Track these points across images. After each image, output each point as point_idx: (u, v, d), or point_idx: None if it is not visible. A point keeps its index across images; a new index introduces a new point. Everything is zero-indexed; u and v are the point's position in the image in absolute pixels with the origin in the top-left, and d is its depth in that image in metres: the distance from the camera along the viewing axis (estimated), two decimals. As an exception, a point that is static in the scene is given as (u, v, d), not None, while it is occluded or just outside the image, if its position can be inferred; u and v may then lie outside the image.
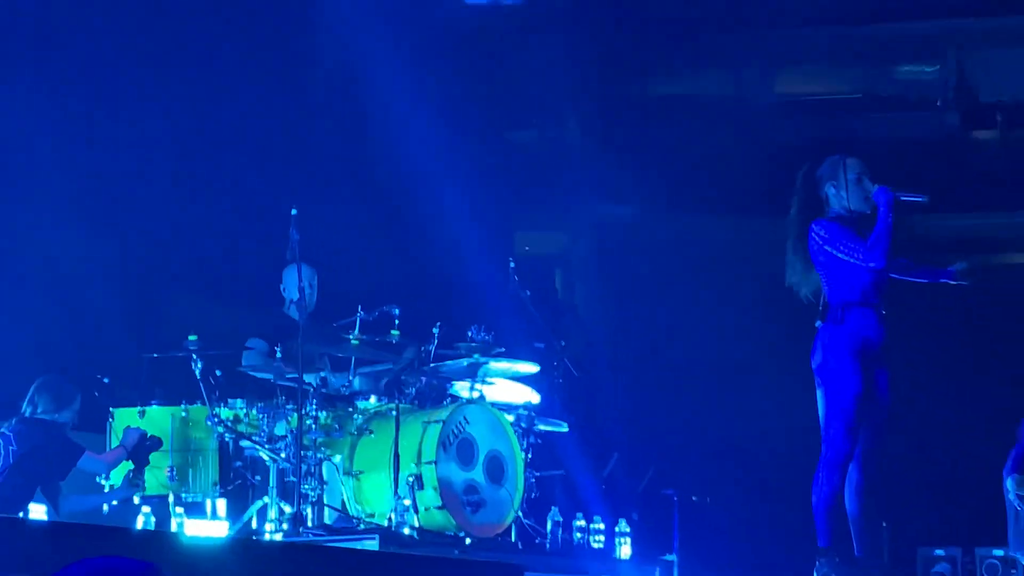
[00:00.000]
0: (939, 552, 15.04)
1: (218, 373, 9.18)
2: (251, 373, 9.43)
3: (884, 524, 10.45)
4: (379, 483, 8.91)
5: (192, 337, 9.11)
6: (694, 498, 14.56)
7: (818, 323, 8.13)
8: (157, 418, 9.41)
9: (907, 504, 13.58)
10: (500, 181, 18.78)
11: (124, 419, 9.41)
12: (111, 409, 9.55)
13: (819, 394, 8.11)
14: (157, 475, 9.19)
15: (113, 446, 9.38)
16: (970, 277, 8.45)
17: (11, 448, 8.91)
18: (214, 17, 14.24)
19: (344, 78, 15.24)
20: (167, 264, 13.26)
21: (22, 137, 11.76)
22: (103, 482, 9.27)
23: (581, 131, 24.38)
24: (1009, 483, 10.75)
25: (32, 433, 9.01)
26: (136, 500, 9.02)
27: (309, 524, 8.64)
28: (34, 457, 8.98)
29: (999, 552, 13.84)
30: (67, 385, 9.35)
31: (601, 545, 10.03)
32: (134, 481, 9.23)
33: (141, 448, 9.25)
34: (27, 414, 9.15)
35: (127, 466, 9.25)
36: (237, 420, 9.16)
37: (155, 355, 9.56)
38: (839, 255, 7.94)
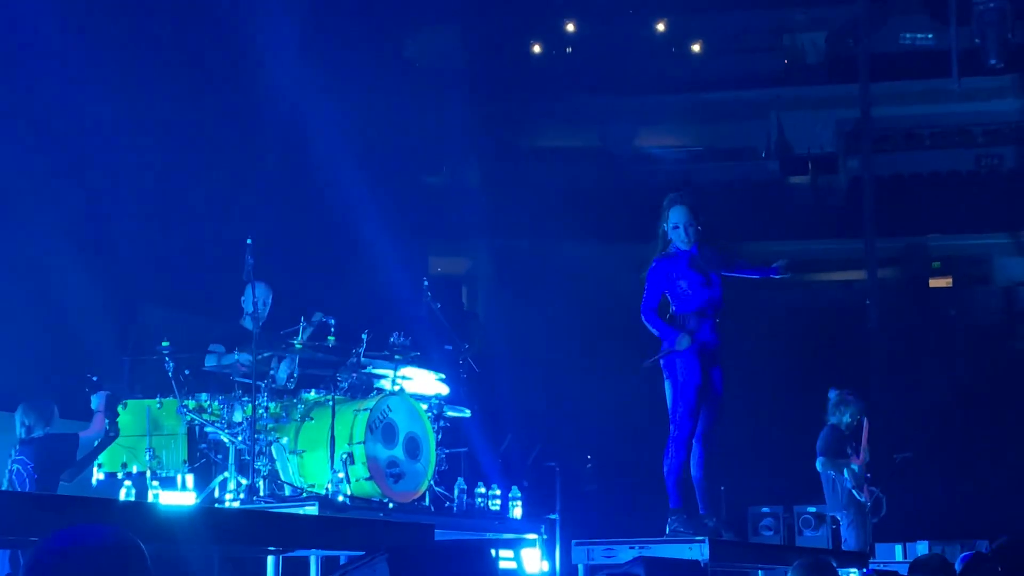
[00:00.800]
0: (765, 509, 15.18)
1: (186, 372, 9.08)
2: (212, 371, 9.35)
3: (722, 488, 10.49)
4: (318, 459, 8.84)
5: (165, 343, 9.00)
6: (588, 456, 14.62)
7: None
8: (136, 409, 9.31)
9: (740, 472, 13.66)
10: (416, 216, 18.78)
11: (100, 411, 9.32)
12: (92, 399, 9.42)
13: (667, 385, 8.15)
14: (137, 455, 9.08)
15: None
16: (788, 271, 8.53)
17: (30, 467, 8.79)
18: (186, 82, 14.19)
19: (291, 138, 15.22)
20: (144, 282, 13.13)
21: (23, 179, 11.62)
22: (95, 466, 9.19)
23: (480, 176, 24.43)
24: (818, 464, 10.83)
25: (39, 451, 8.88)
26: (120, 475, 8.87)
27: (261, 493, 8.53)
28: (49, 467, 8.87)
29: (812, 509, 13.98)
30: (44, 402, 9.20)
31: (498, 507, 9.98)
32: (111, 432, 9.17)
33: (111, 404, 9.20)
34: (24, 436, 9.01)
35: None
36: (202, 410, 9.06)
37: (135, 357, 9.41)
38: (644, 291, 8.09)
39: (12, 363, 11.05)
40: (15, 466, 8.89)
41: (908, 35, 28.08)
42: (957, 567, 7.32)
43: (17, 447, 8.99)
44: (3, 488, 8.98)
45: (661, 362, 8.08)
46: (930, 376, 20.73)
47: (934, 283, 28.13)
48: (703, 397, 8.12)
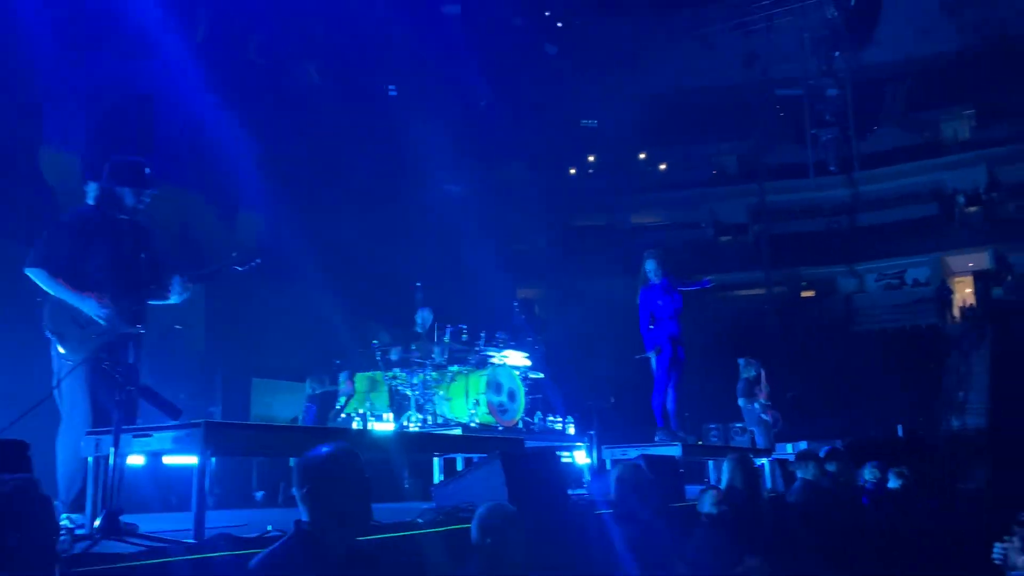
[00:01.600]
0: (712, 425, 14.95)
1: (388, 357, 9.21)
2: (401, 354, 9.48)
3: (687, 414, 10.39)
4: (460, 404, 8.89)
5: (375, 341, 9.13)
6: (612, 399, 14.44)
7: (651, 327, 8.22)
8: (361, 378, 9.44)
9: (697, 404, 13.50)
10: (510, 266, 18.79)
11: (345, 380, 9.43)
12: (339, 375, 9.55)
13: (652, 358, 8.18)
14: (362, 403, 9.20)
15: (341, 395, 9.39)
16: (714, 282, 8.57)
17: (313, 410, 8.95)
18: (389, 191, 14.46)
19: (444, 221, 15.37)
20: (365, 307, 13.25)
21: (293, 248, 11.81)
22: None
23: (546, 243, 24.54)
24: (740, 402, 10.72)
25: (319, 402, 9.05)
26: (353, 416, 9.00)
27: (429, 423, 8.62)
28: (325, 411, 9.02)
29: (739, 424, 13.77)
30: (321, 374, 9.36)
31: (560, 428, 10.00)
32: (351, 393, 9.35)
33: (350, 377, 9.33)
34: (311, 393, 9.18)
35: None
36: (396, 378, 9.15)
37: (359, 349, 9.53)
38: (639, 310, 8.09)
39: (299, 353, 11.20)
40: (305, 412, 9.07)
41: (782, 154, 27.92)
42: (821, 455, 7.23)
43: (307, 400, 9.16)
44: (299, 423, 9.15)
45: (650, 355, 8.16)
46: (802, 347, 20.49)
47: (804, 295, 27.84)
48: (673, 364, 8.16)
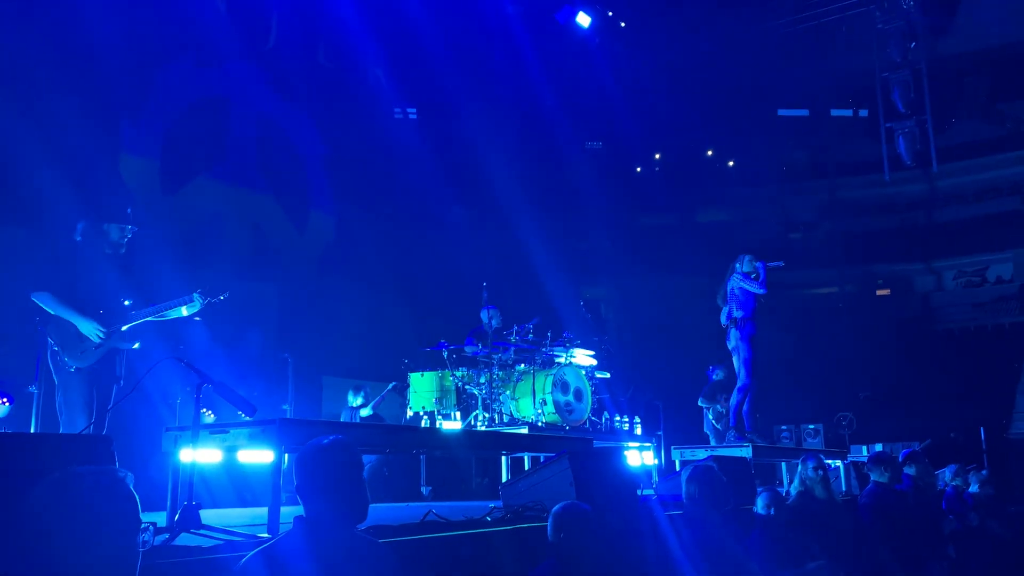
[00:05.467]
0: (783, 427, 14.68)
1: (455, 357, 9.25)
2: (468, 354, 9.52)
3: (758, 415, 10.20)
4: (527, 403, 8.88)
5: (443, 340, 9.18)
6: (679, 400, 14.36)
7: (729, 328, 8.13)
8: (430, 377, 9.48)
9: (768, 406, 13.26)
10: (575, 265, 18.75)
11: (415, 380, 9.50)
12: (409, 374, 9.62)
13: (735, 359, 8.08)
14: (430, 402, 9.25)
15: (409, 393, 9.43)
16: (783, 261, 8.34)
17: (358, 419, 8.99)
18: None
19: (509, 236, 15.41)
20: (430, 306, 13.35)
21: (362, 247, 11.96)
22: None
23: (609, 242, 24.38)
24: (699, 401, 10.50)
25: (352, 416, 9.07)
26: (421, 413, 9.05)
27: (496, 422, 8.65)
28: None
29: (812, 426, 13.48)
30: (360, 383, 9.41)
31: (627, 428, 9.92)
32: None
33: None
34: (353, 405, 9.21)
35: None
36: (463, 377, 9.20)
37: (427, 349, 9.60)
38: (747, 286, 8.00)
39: (368, 351, 11.35)
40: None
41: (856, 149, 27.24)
42: (900, 458, 7.05)
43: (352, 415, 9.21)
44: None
45: (745, 334, 8.00)
46: (878, 346, 19.99)
47: (879, 293, 27.18)
48: (754, 365, 8.10)
